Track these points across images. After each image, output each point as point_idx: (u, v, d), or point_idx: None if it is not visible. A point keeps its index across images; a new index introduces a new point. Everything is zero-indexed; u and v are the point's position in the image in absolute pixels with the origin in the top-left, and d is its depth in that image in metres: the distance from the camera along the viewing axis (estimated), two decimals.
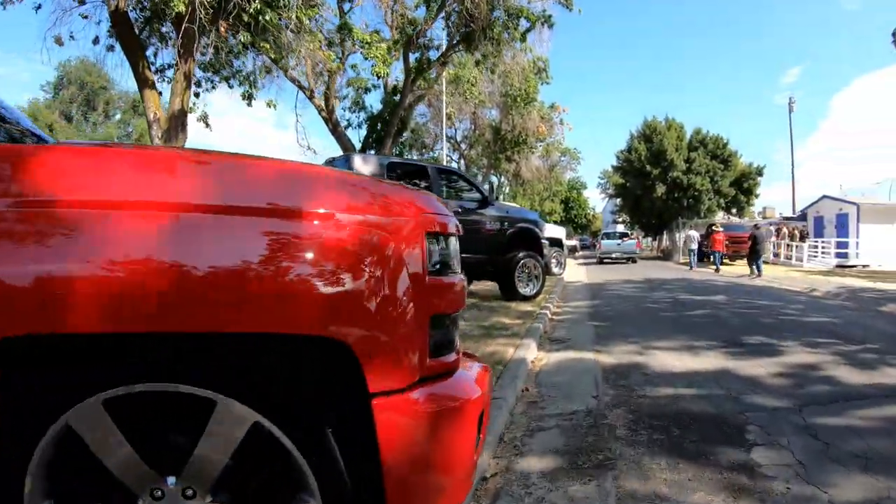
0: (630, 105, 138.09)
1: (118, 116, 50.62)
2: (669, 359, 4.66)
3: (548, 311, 7.37)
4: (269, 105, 13.90)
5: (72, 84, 46.56)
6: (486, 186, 7.64)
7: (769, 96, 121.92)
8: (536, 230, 8.89)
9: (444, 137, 24.35)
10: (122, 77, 35.13)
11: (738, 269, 19.67)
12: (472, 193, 8.49)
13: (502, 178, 36.21)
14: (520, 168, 32.78)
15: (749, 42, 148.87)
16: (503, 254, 8.38)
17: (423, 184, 8.05)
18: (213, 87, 15.34)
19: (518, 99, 27.92)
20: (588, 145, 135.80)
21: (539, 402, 3.51)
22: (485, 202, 8.26)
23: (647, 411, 3.22)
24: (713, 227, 20.87)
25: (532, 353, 4.78)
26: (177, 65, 11.66)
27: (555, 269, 14.91)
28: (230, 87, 15.07)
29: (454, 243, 1.53)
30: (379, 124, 19.25)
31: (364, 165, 7.32)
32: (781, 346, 5.17)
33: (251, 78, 14.66)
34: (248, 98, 15.49)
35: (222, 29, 9.58)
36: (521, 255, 8.40)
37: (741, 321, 6.76)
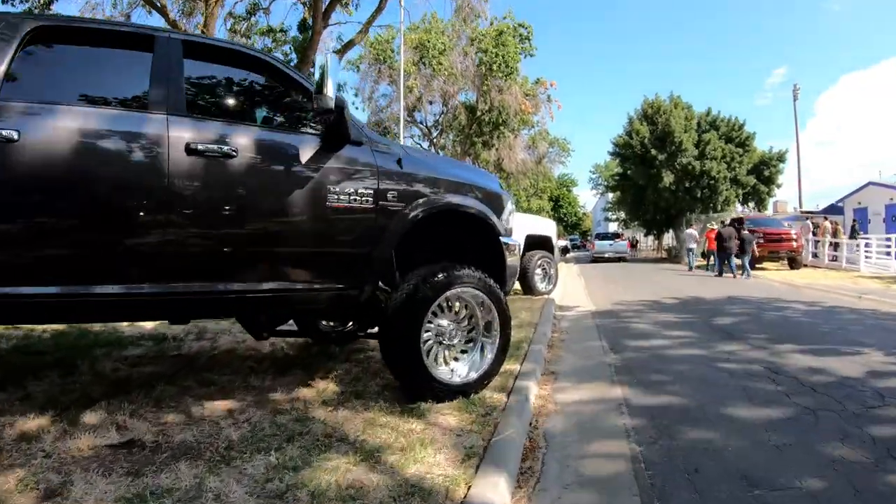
0: (612, 109, 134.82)
1: None
2: None
3: None
4: None
5: None
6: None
7: (752, 98, 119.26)
8: (487, 215, 3.64)
9: (402, 103, 19.08)
10: None
11: (767, 273, 14.90)
12: (296, 110, 3.28)
13: None
14: (501, 157, 27.68)
15: (733, 45, 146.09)
16: (395, 273, 3.24)
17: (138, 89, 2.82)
18: None
19: (495, 67, 22.86)
20: (576, 142, 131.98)
21: None
22: (337, 135, 2.98)
23: None
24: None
25: None
26: None
27: (540, 286, 9.62)
28: None
29: None
30: None
31: None
32: None
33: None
34: None
35: None
36: (440, 277, 3.15)
37: None
